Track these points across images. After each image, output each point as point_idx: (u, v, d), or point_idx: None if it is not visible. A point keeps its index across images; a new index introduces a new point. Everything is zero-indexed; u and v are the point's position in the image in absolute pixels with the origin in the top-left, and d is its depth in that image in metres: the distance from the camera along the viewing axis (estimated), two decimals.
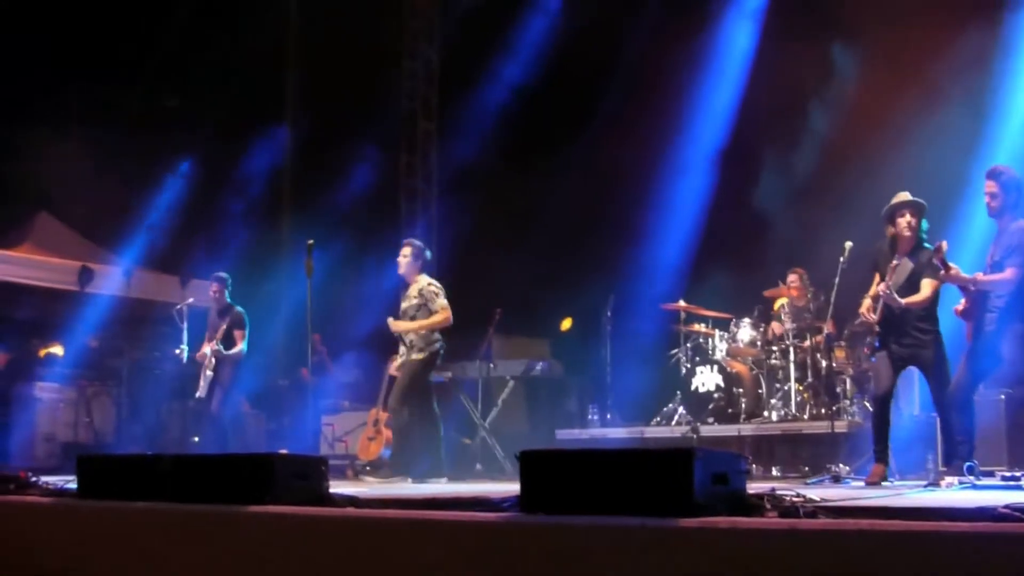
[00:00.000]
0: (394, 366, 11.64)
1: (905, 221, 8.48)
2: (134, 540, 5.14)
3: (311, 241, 9.74)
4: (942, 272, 8.03)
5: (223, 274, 12.11)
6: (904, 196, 8.63)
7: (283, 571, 4.55)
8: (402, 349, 10.56)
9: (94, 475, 5.80)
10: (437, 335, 10.45)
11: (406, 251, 10.61)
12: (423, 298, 10.37)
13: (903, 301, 8.31)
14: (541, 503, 4.20)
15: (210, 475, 5.32)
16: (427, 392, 10.58)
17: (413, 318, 10.38)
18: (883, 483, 8.16)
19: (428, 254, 10.79)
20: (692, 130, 14.09)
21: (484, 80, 15.96)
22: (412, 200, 17.65)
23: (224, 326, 11.66)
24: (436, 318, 10.30)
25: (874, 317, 8.49)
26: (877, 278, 8.59)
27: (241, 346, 11.75)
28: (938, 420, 8.85)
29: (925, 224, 8.58)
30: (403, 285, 10.88)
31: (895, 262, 8.41)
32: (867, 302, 8.65)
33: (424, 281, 10.50)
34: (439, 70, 17.97)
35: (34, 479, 6.52)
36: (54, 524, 5.57)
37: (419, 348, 10.37)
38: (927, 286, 8.33)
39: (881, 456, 8.45)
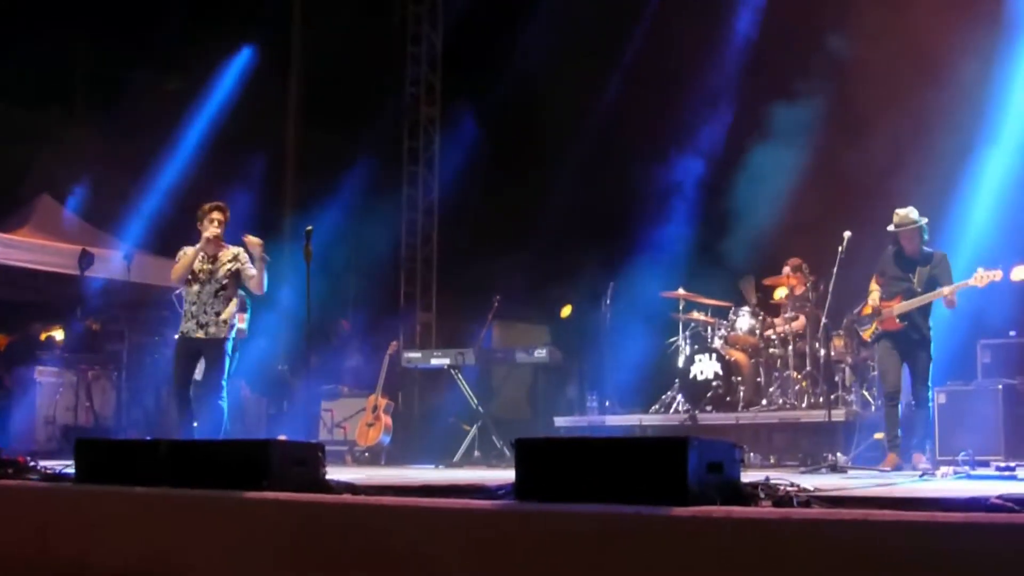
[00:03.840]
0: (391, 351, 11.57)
1: (909, 244, 9.44)
2: (132, 525, 5.15)
3: (310, 227, 9.66)
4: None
5: None
6: (901, 216, 9.42)
7: (279, 557, 4.57)
8: (204, 319, 9.45)
9: (92, 459, 5.81)
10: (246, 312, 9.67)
11: (219, 216, 9.56)
12: (239, 262, 9.49)
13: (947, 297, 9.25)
14: (536, 491, 4.22)
15: (207, 460, 5.34)
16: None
17: (224, 286, 9.47)
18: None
19: None
20: (693, 118, 14.06)
21: (487, 65, 15.94)
22: (413, 185, 17.63)
23: None
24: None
25: (899, 308, 9.39)
26: (875, 280, 9.62)
27: (242, 327, 11.59)
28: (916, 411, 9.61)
29: (925, 231, 9.46)
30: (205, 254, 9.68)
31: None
32: (876, 294, 9.57)
33: (235, 248, 9.59)
34: (442, 55, 17.93)
35: (32, 463, 6.53)
36: (52, 509, 5.58)
37: (231, 325, 9.50)
38: (948, 290, 9.17)
39: (894, 446, 9.31)
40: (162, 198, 15.51)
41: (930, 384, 9.50)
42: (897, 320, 9.43)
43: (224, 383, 9.52)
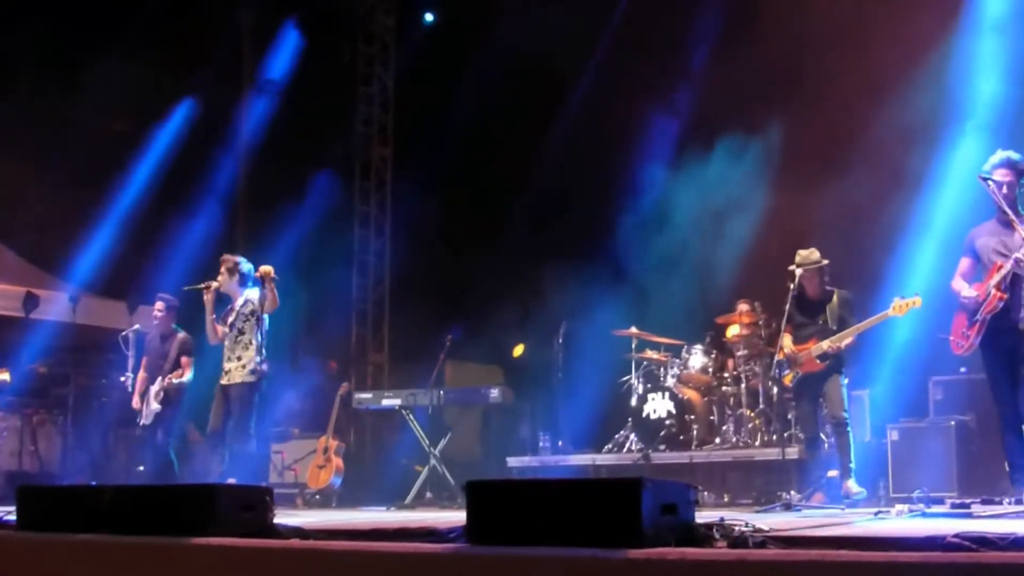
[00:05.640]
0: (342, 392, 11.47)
1: (809, 284, 9.68)
2: (73, 574, 5.02)
3: (264, 270, 9.72)
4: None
5: (171, 297, 11.58)
6: (803, 256, 9.66)
7: None
8: (228, 366, 10.15)
9: (34, 507, 5.66)
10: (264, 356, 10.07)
11: (222, 268, 10.36)
12: (251, 303, 10.09)
13: (843, 344, 9.52)
14: (488, 534, 4.15)
15: (152, 506, 5.22)
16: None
17: (241, 331, 10.09)
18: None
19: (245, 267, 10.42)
20: (644, 156, 14.07)
21: (440, 106, 15.94)
22: (365, 226, 17.56)
23: (172, 354, 11.28)
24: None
25: (817, 349, 9.59)
26: (787, 331, 9.63)
27: (188, 373, 11.29)
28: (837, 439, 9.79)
29: (826, 272, 9.74)
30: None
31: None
32: (788, 339, 9.71)
33: (249, 292, 10.22)
34: (394, 95, 17.92)
35: None
36: None
37: (251, 370, 9.98)
38: (869, 323, 9.44)
39: (820, 486, 9.71)
40: (109, 239, 15.31)
41: (847, 409, 9.62)
42: (817, 360, 9.60)
43: (250, 429, 9.95)
